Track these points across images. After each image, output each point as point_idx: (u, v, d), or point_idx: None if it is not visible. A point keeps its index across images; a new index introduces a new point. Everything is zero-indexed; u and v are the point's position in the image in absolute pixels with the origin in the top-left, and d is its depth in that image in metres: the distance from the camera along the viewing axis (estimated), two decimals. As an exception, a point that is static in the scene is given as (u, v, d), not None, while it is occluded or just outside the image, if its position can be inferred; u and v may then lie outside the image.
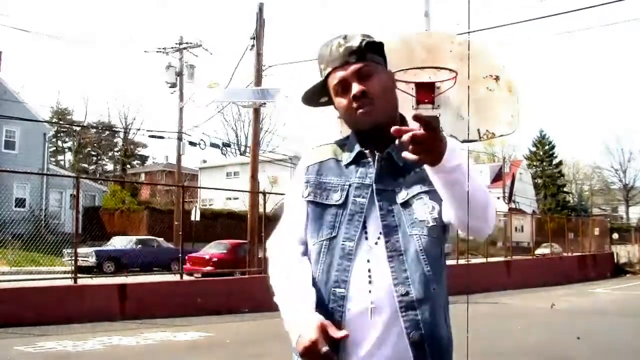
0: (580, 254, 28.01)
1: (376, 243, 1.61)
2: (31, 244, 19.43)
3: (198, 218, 22.44)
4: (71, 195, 23.61)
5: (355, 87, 1.64)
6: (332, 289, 1.59)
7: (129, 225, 28.76)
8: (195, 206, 26.16)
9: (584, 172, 65.11)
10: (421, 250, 1.60)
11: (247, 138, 49.80)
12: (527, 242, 29.81)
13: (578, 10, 11.75)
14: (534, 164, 60.80)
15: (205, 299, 12.31)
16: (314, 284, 1.61)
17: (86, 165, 56.26)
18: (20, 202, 27.46)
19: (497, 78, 5.02)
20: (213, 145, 27.71)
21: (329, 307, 1.58)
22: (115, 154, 58.52)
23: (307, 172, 1.74)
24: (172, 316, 11.17)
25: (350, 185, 1.66)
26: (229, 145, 40.05)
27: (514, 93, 5.06)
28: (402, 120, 1.74)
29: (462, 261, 20.67)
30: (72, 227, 15.95)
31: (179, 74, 27.63)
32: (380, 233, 1.61)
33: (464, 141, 5.24)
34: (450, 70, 4.93)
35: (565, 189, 61.24)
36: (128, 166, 58.10)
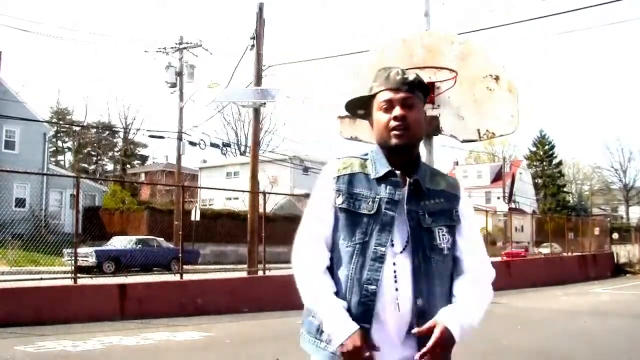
0: (580, 254, 28.00)
1: (401, 252, 1.90)
2: (31, 244, 19.43)
3: (198, 218, 22.45)
4: (71, 195, 23.63)
5: (398, 111, 1.95)
6: (365, 286, 1.86)
7: (129, 225, 28.76)
8: (195, 206, 26.17)
9: (584, 172, 65.10)
10: (438, 272, 1.92)
11: (247, 138, 49.82)
12: (527, 242, 29.81)
13: (578, 10, 11.75)
14: (534, 164, 60.81)
15: (205, 299, 12.30)
16: (346, 280, 1.90)
17: (86, 165, 56.25)
18: (20, 202, 27.47)
19: (497, 78, 5.02)
20: (213, 145, 27.72)
21: (360, 300, 1.86)
22: (115, 154, 58.51)
23: (337, 182, 1.98)
24: (172, 316, 11.16)
25: (380, 199, 1.93)
26: (229, 145, 40.07)
27: (514, 93, 5.06)
28: (418, 156, 2.10)
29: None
30: (72, 227, 15.95)
31: (179, 74, 27.64)
32: (407, 243, 1.90)
33: (464, 141, 5.25)
34: (450, 70, 4.93)
35: (565, 189, 61.26)
36: (128, 166, 58.09)
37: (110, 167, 59.48)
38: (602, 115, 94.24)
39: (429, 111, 4.96)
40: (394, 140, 1.94)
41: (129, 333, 9.56)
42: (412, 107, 1.96)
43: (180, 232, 14.78)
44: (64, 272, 13.19)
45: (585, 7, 11.71)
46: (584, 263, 26.95)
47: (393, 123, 1.93)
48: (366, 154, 2.05)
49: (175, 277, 13.69)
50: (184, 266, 13.80)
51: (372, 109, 2.03)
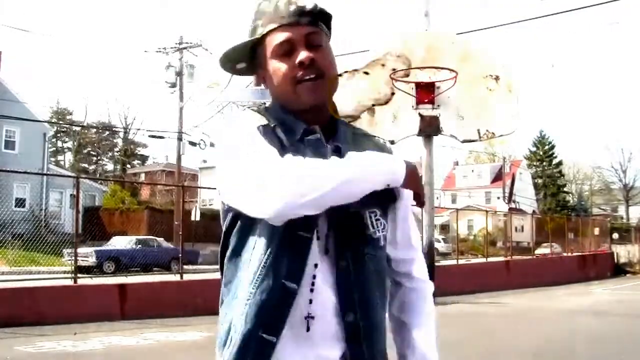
0: (580, 254, 28.00)
1: (327, 252, 1.36)
2: (31, 244, 19.42)
3: (198, 218, 22.46)
4: (71, 195, 23.62)
5: (304, 54, 1.36)
6: (285, 282, 1.31)
7: (129, 225, 28.75)
8: (195, 206, 26.20)
9: (584, 172, 65.11)
10: (374, 271, 1.40)
11: (247, 138, 49.61)
12: (527, 242, 29.82)
13: (578, 9, 11.76)
14: (534, 164, 60.79)
15: (205, 299, 12.30)
16: (260, 270, 1.33)
17: (86, 165, 56.26)
18: (20, 202, 27.47)
19: (497, 78, 5.02)
20: (213, 145, 27.68)
21: (274, 304, 1.31)
22: (115, 154, 58.52)
23: (264, 133, 1.35)
24: (172, 316, 11.17)
25: None
26: (229, 145, 39.95)
27: (514, 93, 5.07)
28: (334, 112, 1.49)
29: (455, 261, 20.65)
30: (72, 227, 15.95)
31: (179, 74, 27.63)
32: (327, 236, 1.35)
33: (464, 141, 5.26)
34: (450, 70, 4.93)
35: (565, 189, 61.24)
36: (128, 166, 58.10)
37: (110, 167, 59.51)
38: (602, 116, 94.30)
39: (429, 111, 4.97)
40: (305, 97, 1.36)
41: (129, 333, 9.57)
42: (319, 46, 1.40)
43: (180, 232, 14.79)
44: (64, 272, 13.18)
45: (585, 7, 11.72)
46: (584, 263, 26.95)
47: (299, 72, 1.35)
48: (266, 110, 1.44)
49: (175, 277, 13.70)
50: (184, 266, 13.80)
51: (261, 58, 1.42)
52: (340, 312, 1.34)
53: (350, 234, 1.37)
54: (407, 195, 1.45)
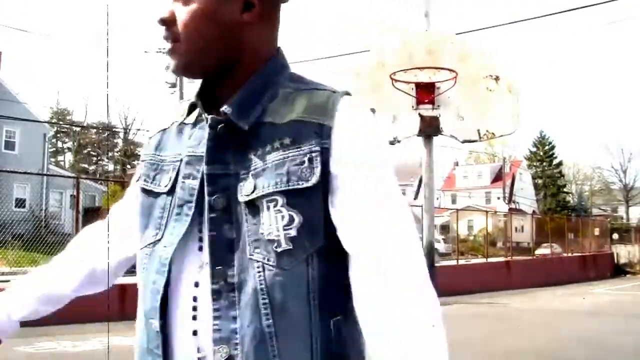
0: (580, 254, 28.00)
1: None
2: (31, 244, 19.41)
3: (198, 218, 22.42)
4: (71, 195, 23.63)
5: (165, 10, 1.08)
6: (149, 320, 1.05)
7: (129, 226, 28.73)
8: (195, 206, 26.15)
9: (584, 172, 65.13)
10: (262, 289, 0.98)
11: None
12: (527, 242, 29.82)
13: (578, 9, 11.76)
14: (534, 164, 60.80)
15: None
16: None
17: (86, 166, 56.28)
18: (20, 203, 27.46)
19: (497, 78, 5.02)
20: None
21: (146, 346, 1.05)
22: (115, 154, 58.53)
23: (147, 146, 1.18)
24: (172, 316, 11.17)
25: (181, 161, 1.08)
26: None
27: (514, 93, 5.07)
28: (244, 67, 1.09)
29: (451, 262, 20.66)
30: (72, 227, 15.96)
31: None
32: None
33: (464, 141, 5.26)
34: (450, 70, 4.93)
35: (565, 189, 61.24)
36: (128, 166, 58.13)
37: (110, 167, 59.52)
38: (602, 116, 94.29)
39: (429, 111, 4.97)
40: (171, 64, 1.10)
41: (129, 333, 9.56)
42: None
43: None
44: (64, 272, 13.13)
45: (585, 7, 11.72)
46: (584, 263, 26.95)
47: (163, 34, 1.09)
48: None
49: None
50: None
51: None
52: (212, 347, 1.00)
53: (232, 238, 1.01)
54: (356, 158, 1.00)
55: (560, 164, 60.56)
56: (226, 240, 1.01)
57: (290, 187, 0.99)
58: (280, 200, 0.99)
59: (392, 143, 5.12)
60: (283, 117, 1.03)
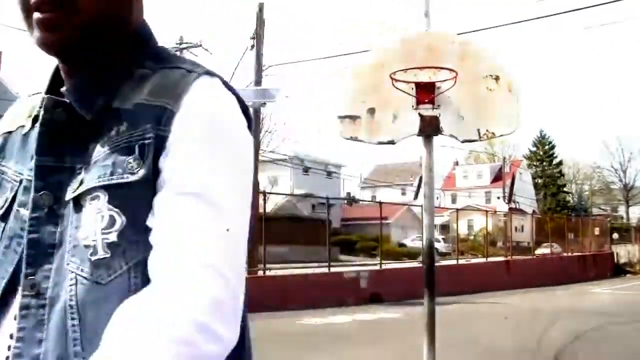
0: (580, 253, 28.02)
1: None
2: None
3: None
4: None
5: None
6: None
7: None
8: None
9: (584, 172, 65.16)
10: (72, 306, 0.79)
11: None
12: (527, 241, 29.83)
13: (578, 10, 11.76)
14: (534, 164, 60.85)
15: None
16: None
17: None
18: (20, 202, 27.52)
19: (497, 78, 5.02)
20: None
21: None
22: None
23: None
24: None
25: (20, 182, 0.89)
26: (229, 145, 39.96)
27: (514, 93, 5.07)
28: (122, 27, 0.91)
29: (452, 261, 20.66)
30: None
31: (179, 74, 27.66)
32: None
33: (464, 141, 5.26)
34: (450, 70, 4.93)
35: (565, 189, 61.29)
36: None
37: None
38: (602, 115, 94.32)
39: (429, 111, 4.98)
40: (36, 34, 0.87)
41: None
42: None
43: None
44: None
45: (585, 7, 11.73)
46: (584, 263, 26.97)
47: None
48: None
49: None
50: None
51: None
52: None
53: (61, 237, 0.83)
54: (193, 146, 0.82)
55: (560, 163, 60.61)
56: (46, 246, 0.84)
57: (113, 181, 0.81)
58: (102, 196, 0.81)
59: (392, 142, 5.12)
60: (130, 101, 0.86)
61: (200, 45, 28.01)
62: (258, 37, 16.67)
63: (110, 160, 0.82)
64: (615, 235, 35.91)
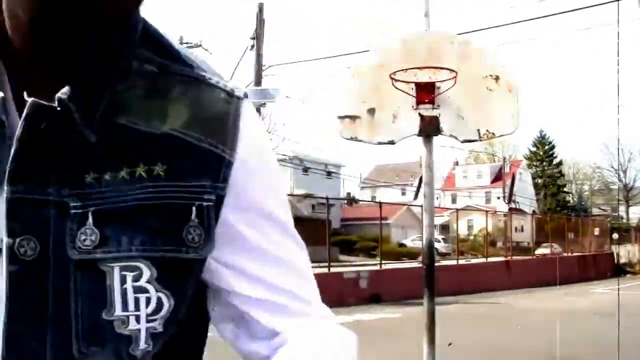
0: (580, 253, 28.03)
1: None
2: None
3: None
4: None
5: None
6: None
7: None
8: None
9: (584, 172, 65.18)
10: None
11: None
12: (527, 242, 29.84)
13: (578, 10, 11.76)
14: (534, 164, 60.86)
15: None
16: None
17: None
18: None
19: (497, 78, 5.02)
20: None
21: None
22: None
23: None
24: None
25: None
26: (229, 145, 39.92)
27: (514, 93, 5.07)
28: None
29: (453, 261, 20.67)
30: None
31: (179, 74, 27.63)
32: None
33: (464, 141, 5.26)
34: (450, 70, 4.93)
35: (565, 189, 61.31)
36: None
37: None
38: (602, 115, 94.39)
39: (429, 111, 4.98)
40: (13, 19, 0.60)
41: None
42: None
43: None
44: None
45: (585, 7, 11.73)
46: (584, 263, 26.98)
47: None
48: None
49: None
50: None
51: None
52: None
53: (43, 310, 0.59)
54: (264, 206, 0.68)
55: (560, 163, 60.63)
56: (33, 318, 0.59)
57: (167, 255, 0.61)
58: (146, 271, 0.60)
59: (392, 142, 5.12)
60: (149, 121, 0.62)
61: (200, 45, 28.01)
62: (258, 37, 16.67)
63: (156, 220, 0.60)
64: (615, 236, 35.90)
